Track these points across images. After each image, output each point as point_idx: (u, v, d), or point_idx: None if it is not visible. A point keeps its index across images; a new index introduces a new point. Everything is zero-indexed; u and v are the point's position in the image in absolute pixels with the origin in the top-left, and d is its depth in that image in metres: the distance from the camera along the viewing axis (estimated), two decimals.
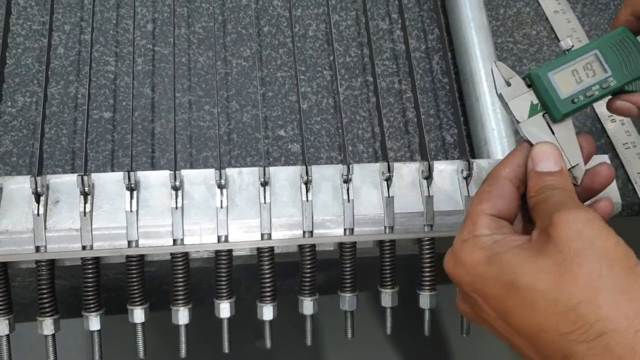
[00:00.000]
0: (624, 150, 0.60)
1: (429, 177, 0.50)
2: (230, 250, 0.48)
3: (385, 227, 0.50)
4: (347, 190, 0.50)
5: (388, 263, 0.51)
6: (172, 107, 0.54)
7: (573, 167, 0.42)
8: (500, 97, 0.43)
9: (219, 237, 0.48)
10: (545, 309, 0.33)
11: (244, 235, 0.48)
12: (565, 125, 0.43)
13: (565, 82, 0.42)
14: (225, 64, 0.61)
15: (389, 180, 0.50)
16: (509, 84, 0.43)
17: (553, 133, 0.42)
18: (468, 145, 0.58)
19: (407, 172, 0.51)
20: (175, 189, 0.47)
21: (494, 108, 0.57)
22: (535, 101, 0.42)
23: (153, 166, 0.55)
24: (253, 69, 0.60)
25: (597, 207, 0.42)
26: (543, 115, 0.43)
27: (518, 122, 0.42)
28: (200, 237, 0.48)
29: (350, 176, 0.49)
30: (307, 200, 0.49)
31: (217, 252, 0.48)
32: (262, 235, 0.48)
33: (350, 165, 0.49)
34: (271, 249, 0.49)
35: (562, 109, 0.42)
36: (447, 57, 0.61)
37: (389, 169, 0.50)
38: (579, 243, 0.33)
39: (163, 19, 0.62)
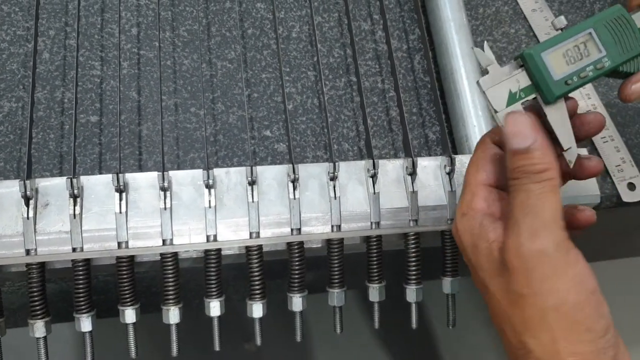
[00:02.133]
0: (602, 144, 0.61)
1: (413, 173, 0.51)
2: (219, 249, 0.49)
3: (371, 222, 0.51)
4: (334, 187, 0.51)
5: (375, 258, 0.52)
6: (159, 110, 0.54)
7: (565, 150, 0.41)
8: (477, 85, 0.42)
9: (207, 237, 0.49)
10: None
11: (232, 234, 0.49)
12: (558, 107, 0.41)
13: (559, 62, 0.41)
14: (210, 66, 0.61)
15: (374, 177, 0.51)
16: (487, 72, 0.42)
17: (545, 115, 0.41)
18: (450, 142, 0.59)
19: (391, 168, 0.52)
20: (164, 190, 0.48)
21: (475, 105, 0.58)
22: (515, 89, 0.41)
23: (140, 168, 0.56)
24: (238, 71, 0.61)
25: (579, 217, 0.44)
26: (534, 98, 0.41)
27: (496, 112, 0.41)
28: (189, 237, 0.48)
29: (336, 174, 0.50)
30: (295, 198, 0.50)
31: (206, 251, 0.49)
32: (250, 233, 0.49)
33: (336, 163, 0.50)
34: (260, 247, 0.49)
35: (556, 90, 0.41)
36: (428, 56, 0.63)
37: (374, 166, 0.51)
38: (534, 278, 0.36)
39: (147, 23, 0.62)
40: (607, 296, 0.37)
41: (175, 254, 0.49)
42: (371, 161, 0.51)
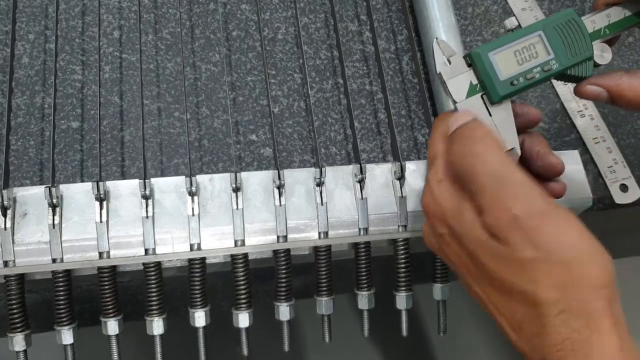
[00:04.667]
0: (594, 145, 0.60)
1: (401, 178, 0.50)
2: (203, 259, 0.48)
3: (359, 228, 0.50)
4: (321, 193, 0.49)
5: (363, 265, 0.51)
6: (141, 115, 0.53)
7: (509, 150, 0.41)
8: (439, 75, 0.42)
9: (191, 246, 0.47)
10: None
11: (217, 242, 0.48)
12: (504, 108, 0.41)
13: (506, 63, 0.41)
14: (194, 70, 0.60)
15: (361, 182, 0.50)
16: (449, 62, 0.41)
17: (490, 114, 0.41)
18: None
19: (379, 173, 0.51)
20: (146, 197, 0.47)
21: None
22: (475, 81, 0.41)
23: (123, 175, 0.55)
24: (222, 74, 0.60)
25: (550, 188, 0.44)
26: (482, 96, 0.41)
27: (455, 102, 0.41)
28: (173, 246, 0.47)
29: (323, 179, 0.49)
30: (281, 205, 0.49)
31: (190, 260, 0.48)
32: (235, 242, 0.48)
33: (323, 169, 0.49)
34: (245, 255, 0.48)
35: (501, 90, 0.41)
36: (416, 57, 0.62)
37: (362, 171, 0.50)
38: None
39: (130, 26, 0.61)
40: None
41: (158, 264, 0.47)
42: (358, 166, 0.50)
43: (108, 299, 0.47)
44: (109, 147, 0.56)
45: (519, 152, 0.41)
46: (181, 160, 0.56)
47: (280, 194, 0.49)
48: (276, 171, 0.48)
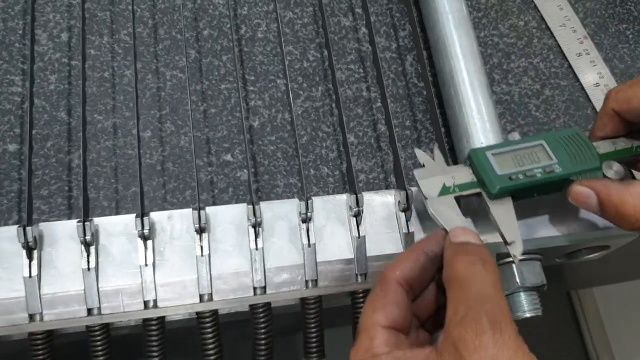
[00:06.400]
0: None
1: (407, 209, 0.41)
2: (161, 318, 0.38)
3: (356, 274, 0.40)
4: (307, 231, 0.40)
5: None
6: (94, 134, 0.43)
7: (509, 243, 0.38)
8: (412, 175, 0.40)
9: (145, 303, 0.38)
10: None
11: (177, 297, 0.38)
12: (502, 203, 0.39)
13: (505, 162, 0.40)
14: (157, 77, 0.50)
15: (358, 215, 0.40)
16: (423, 166, 0.41)
17: (489, 210, 0.39)
18: (452, 162, 0.48)
19: (380, 203, 0.42)
20: (86, 244, 0.37)
21: (481, 116, 0.47)
22: (449, 184, 0.40)
23: (70, 209, 0.45)
24: (191, 82, 0.50)
25: None
26: (479, 194, 0.40)
27: (426, 199, 0.39)
28: (122, 304, 0.38)
29: (310, 214, 0.40)
30: (257, 248, 0.39)
31: (145, 320, 0.38)
32: (200, 296, 0.38)
33: (310, 201, 0.39)
34: (213, 312, 0.39)
35: (498, 183, 0.39)
36: (422, 57, 0.52)
37: (358, 203, 0.40)
38: None
39: (81, 27, 0.51)
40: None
41: (105, 326, 0.38)
42: (354, 196, 0.40)
43: None
44: (52, 174, 0.46)
45: (520, 245, 0.38)
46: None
47: (256, 234, 0.39)
48: (251, 206, 0.39)
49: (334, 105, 0.51)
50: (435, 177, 0.40)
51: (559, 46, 0.57)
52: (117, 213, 0.45)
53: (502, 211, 0.39)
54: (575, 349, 1.27)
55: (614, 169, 0.41)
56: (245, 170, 0.48)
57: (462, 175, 0.40)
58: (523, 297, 0.44)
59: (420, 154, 0.41)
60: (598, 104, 0.54)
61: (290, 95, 0.46)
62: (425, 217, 0.42)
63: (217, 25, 0.53)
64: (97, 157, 0.47)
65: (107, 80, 0.50)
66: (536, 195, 0.41)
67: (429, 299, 0.36)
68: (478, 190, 0.40)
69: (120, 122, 0.49)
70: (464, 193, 0.39)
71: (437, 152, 0.42)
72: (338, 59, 0.53)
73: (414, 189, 0.42)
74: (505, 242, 0.38)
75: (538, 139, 0.41)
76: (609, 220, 0.39)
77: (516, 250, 0.38)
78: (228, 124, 0.49)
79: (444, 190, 0.39)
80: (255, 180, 0.48)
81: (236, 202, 0.46)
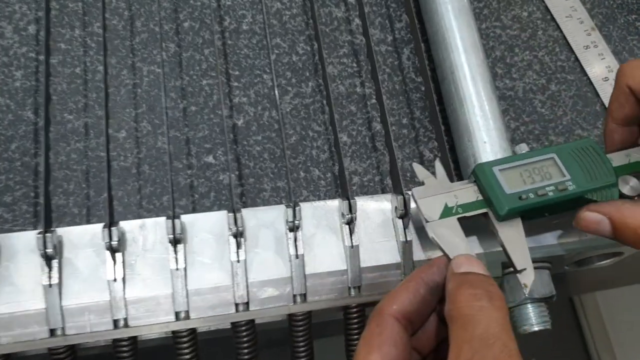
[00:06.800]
0: None
1: (405, 216, 0.37)
2: (133, 338, 0.35)
3: (349, 287, 0.37)
4: (295, 241, 0.36)
5: (356, 333, 0.37)
6: (64, 134, 0.40)
7: (520, 271, 0.35)
8: (411, 194, 0.37)
9: (115, 322, 0.34)
10: None
11: (150, 315, 0.34)
12: (512, 225, 0.36)
13: (513, 180, 0.37)
14: (133, 73, 0.47)
15: (351, 223, 0.37)
16: (423, 184, 0.37)
17: (497, 233, 0.36)
18: (452, 162, 0.45)
19: (375, 209, 0.38)
20: (47, 257, 0.33)
21: (484, 113, 0.44)
22: (451, 204, 0.36)
23: (36, 217, 0.41)
24: (170, 77, 0.46)
25: None
26: (487, 214, 0.36)
27: (427, 222, 0.35)
28: (89, 323, 0.34)
29: (298, 222, 0.36)
30: (239, 260, 0.35)
31: (115, 341, 0.34)
32: (176, 314, 0.34)
33: (297, 207, 0.36)
34: (191, 331, 0.35)
35: (507, 204, 0.36)
36: (420, 50, 0.48)
37: (351, 209, 0.36)
38: None
39: (50, 18, 0.47)
40: None
41: (70, 348, 0.34)
42: (347, 202, 0.36)
43: None
44: (17, 179, 0.42)
45: (532, 273, 0.35)
46: (114, 194, 0.42)
47: (238, 245, 0.35)
48: (232, 213, 0.35)
49: (325, 102, 0.47)
50: (436, 196, 0.36)
51: (565, 38, 0.53)
52: (88, 221, 0.41)
53: (512, 234, 0.36)
54: (579, 355, 1.24)
55: (630, 184, 0.37)
56: (227, 173, 0.44)
57: (466, 194, 0.37)
58: (531, 310, 0.41)
59: (420, 170, 0.38)
60: (607, 99, 0.51)
61: (277, 92, 0.42)
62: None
63: (199, 17, 0.49)
64: (66, 160, 0.43)
65: (78, 76, 0.46)
66: (547, 215, 0.37)
67: (430, 332, 0.32)
68: (484, 210, 0.37)
69: (93, 121, 0.45)
70: (469, 214, 0.36)
71: (439, 168, 0.38)
72: (329, 53, 0.49)
73: (412, 205, 0.38)
74: (515, 270, 0.35)
75: (549, 152, 0.38)
76: (626, 243, 0.35)
77: (527, 280, 0.35)
78: (210, 122, 0.46)
79: (446, 212, 0.36)
80: (240, 184, 0.44)
81: (219, 208, 0.42)
